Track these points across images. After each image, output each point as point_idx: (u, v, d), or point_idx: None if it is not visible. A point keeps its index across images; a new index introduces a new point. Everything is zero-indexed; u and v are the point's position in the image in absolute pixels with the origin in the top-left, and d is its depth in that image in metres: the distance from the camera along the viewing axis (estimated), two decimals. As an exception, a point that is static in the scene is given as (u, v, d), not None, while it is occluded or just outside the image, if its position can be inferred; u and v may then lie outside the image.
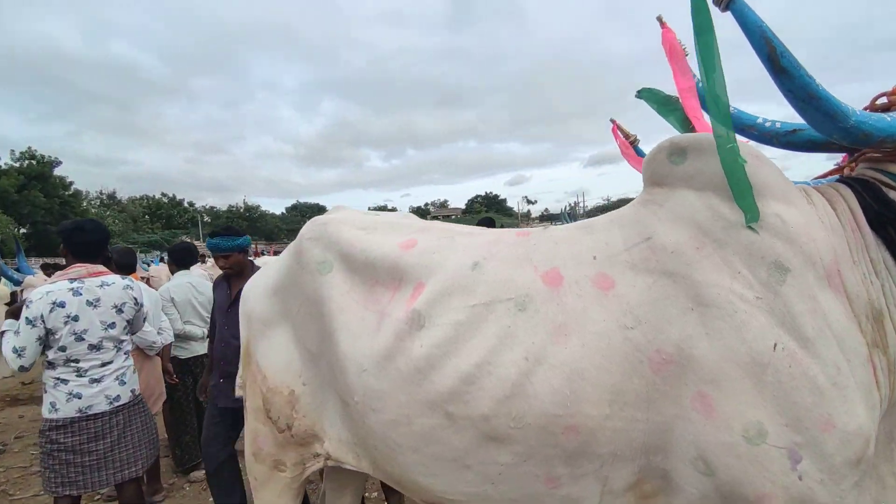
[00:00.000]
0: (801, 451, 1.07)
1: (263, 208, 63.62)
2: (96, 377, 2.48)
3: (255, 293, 1.75)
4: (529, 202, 68.93)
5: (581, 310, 1.21)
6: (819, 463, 1.06)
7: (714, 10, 1.18)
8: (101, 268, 2.63)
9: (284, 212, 71.80)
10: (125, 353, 2.61)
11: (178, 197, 55.70)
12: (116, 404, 2.52)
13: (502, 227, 2.27)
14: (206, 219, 56.27)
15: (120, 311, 2.54)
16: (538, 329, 1.22)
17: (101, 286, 2.51)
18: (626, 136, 2.01)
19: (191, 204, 57.52)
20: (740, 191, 1.17)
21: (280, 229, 56.18)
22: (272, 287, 1.70)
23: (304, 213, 72.89)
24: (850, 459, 1.06)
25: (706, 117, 1.58)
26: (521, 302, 1.26)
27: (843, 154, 1.64)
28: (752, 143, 1.39)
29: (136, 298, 2.57)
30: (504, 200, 66.24)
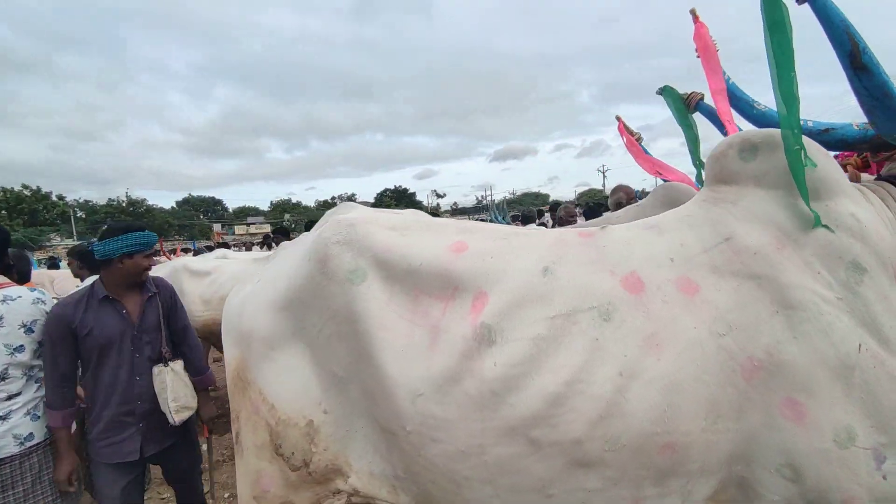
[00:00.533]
0: (885, 451, 1.08)
1: (150, 202, 57.66)
2: (1, 414, 2.01)
3: (253, 307, 1.48)
4: (438, 196, 69.50)
5: (670, 317, 1.13)
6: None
7: (790, 3, 1.15)
8: (1, 278, 2.14)
9: (175, 206, 65.81)
10: (37, 382, 2.14)
11: (44, 189, 48.66)
12: (29, 444, 2.06)
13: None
14: (80, 214, 49.85)
15: (30, 330, 2.08)
16: (628, 340, 1.12)
17: (3, 301, 2.03)
18: (632, 133, 1.99)
19: (60, 197, 50.57)
20: (803, 192, 1.16)
21: (171, 225, 51.34)
22: (280, 300, 1.43)
23: (197, 206, 67.19)
24: None
25: (736, 119, 1.59)
26: (604, 311, 1.15)
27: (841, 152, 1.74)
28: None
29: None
30: (413, 194, 65.87)
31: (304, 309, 1.38)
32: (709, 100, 1.60)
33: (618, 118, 1.99)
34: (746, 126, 1.57)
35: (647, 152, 1.97)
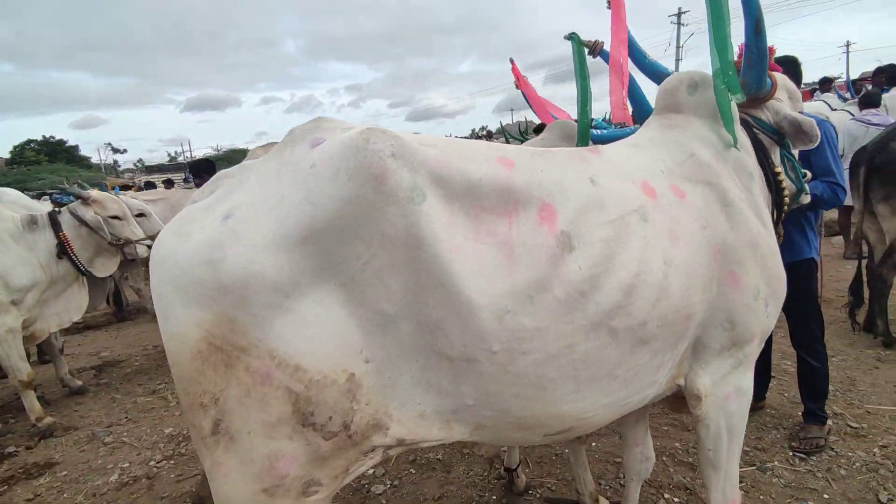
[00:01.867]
0: (769, 299, 1.62)
1: None
2: None
3: (243, 249, 1.08)
4: (117, 151, 56.01)
5: (676, 216, 1.40)
6: (776, 305, 1.64)
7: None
8: None
9: None
10: None
11: None
12: None
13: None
14: None
15: None
16: (661, 236, 1.34)
17: None
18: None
19: None
20: (728, 120, 1.59)
21: None
22: (295, 234, 1.09)
23: None
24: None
25: (632, 66, 1.94)
26: (642, 213, 1.33)
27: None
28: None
29: None
30: (75, 147, 50.74)
31: (339, 240, 1.10)
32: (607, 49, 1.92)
33: (511, 60, 2.15)
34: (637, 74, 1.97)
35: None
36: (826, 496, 2.35)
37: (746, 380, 1.64)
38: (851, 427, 2.83)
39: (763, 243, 1.56)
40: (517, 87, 2.27)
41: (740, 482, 2.52)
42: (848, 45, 34.22)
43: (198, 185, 4.61)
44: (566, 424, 1.32)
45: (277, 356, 1.10)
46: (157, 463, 3.39)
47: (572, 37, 1.94)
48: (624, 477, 2.21)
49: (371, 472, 3.01)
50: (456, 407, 1.23)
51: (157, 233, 1.85)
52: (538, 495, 2.62)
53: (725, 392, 1.61)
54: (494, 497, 2.64)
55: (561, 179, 1.29)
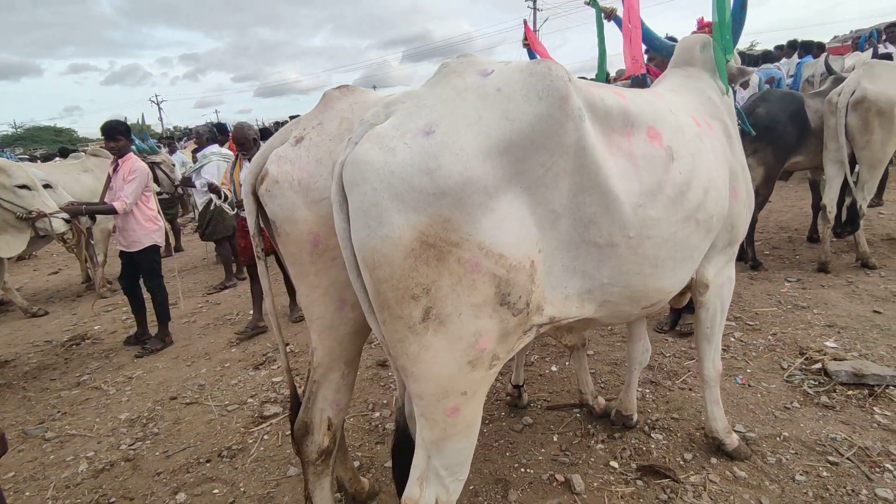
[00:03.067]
0: (750, 207, 2.19)
1: None
2: None
3: (457, 157, 1.27)
4: None
5: (712, 141, 1.86)
6: (751, 212, 2.23)
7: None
8: None
9: None
10: None
11: None
12: None
13: None
14: None
15: None
16: (710, 154, 1.79)
17: None
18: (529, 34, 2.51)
19: None
20: (723, 74, 2.11)
21: None
22: (497, 144, 1.31)
23: None
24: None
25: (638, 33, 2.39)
26: (700, 137, 1.77)
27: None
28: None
29: None
30: None
31: (529, 150, 1.35)
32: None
33: (525, 21, 2.43)
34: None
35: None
36: (749, 370, 3.14)
37: (733, 271, 2.22)
38: (749, 324, 3.74)
39: (746, 166, 2.13)
40: (525, 45, 2.58)
41: (687, 372, 3.22)
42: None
43: (112, 150, 4.17)
44: (660, 297, 1.73)
45: (485, 247, 1.32)
46: (131, 446, 3.16)
47: (593, 2, 2.32)
48: (627, 366, 2.73)
49: (379, 414, 3.19)
50: (592, 287, 1.56)
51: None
52: (538, 406, 3.06)
53: (721, 281, 2.17)
54: (503, 413, 3.02)
55: (654, 109, 1.67)
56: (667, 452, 2.53)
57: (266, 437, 3.10)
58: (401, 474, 1.62)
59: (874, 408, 2.66)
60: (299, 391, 2.09)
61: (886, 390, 2.75)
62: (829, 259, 4.39)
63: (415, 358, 1.37)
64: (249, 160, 3.94)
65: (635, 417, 2.68)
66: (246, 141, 4.48)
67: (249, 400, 3.57)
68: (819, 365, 3.04)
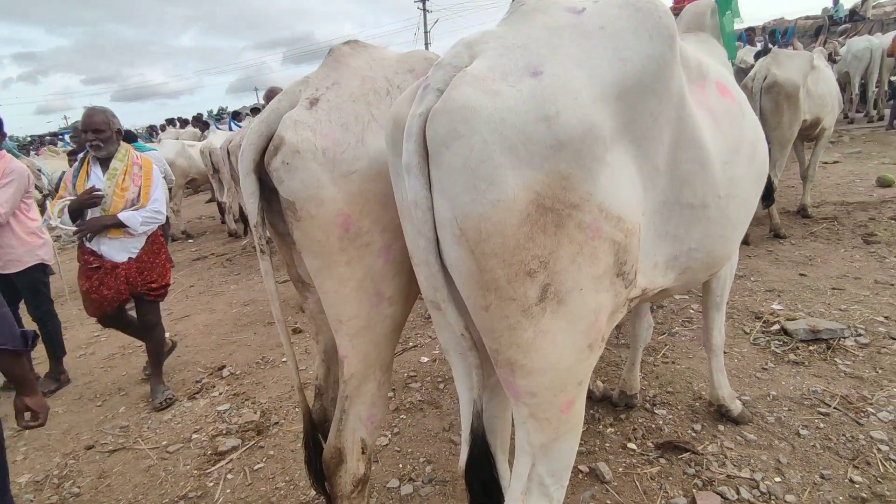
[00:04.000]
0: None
1: None
2: None
3: (575, 102, 1.06)
4: None
5: (734, 103, 1.82)
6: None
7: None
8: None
9: None
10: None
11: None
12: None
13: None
14: None
15: None
16: (749, 116, 1.75)
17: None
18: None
19: None
20: (728, 42, 2.13)
21: None
22: (614, 88, 1.12)
23: None
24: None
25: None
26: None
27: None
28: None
29: None
30: None
31: (641, 95, 1.17)
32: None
33: None
34: None
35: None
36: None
37: (740, 239, 2.25)
38: (700, 296, 3.94)
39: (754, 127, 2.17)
40: None
41: (664, 346, 3.28)
42: None
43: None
44: (725, 262, 1.65)
45: (605, 209, 1.13)
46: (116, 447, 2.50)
47: None
48: (631, 345, 2.68)
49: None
50: (679, 252, 1.43)
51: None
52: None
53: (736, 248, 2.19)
54: (500, 410, 2.84)
55: (710, 63, 1.59)
56: (676, 426, 2.52)
57: (230, 475, 2.61)
58: (483, 491, 1.37)
59: (835, 359, 2.89)
60: (327, 414, 1.74)
61: (839, 342, 3.01)
62: (749, 231, 4.81)
63: (529, 347, 1.13)
64: (104, 160, 3.13)
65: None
66: (107, 129, 3.09)
67: (194, 436, 3.01)
68: (777, 326, 3.26)
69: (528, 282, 1.09)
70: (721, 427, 2.47)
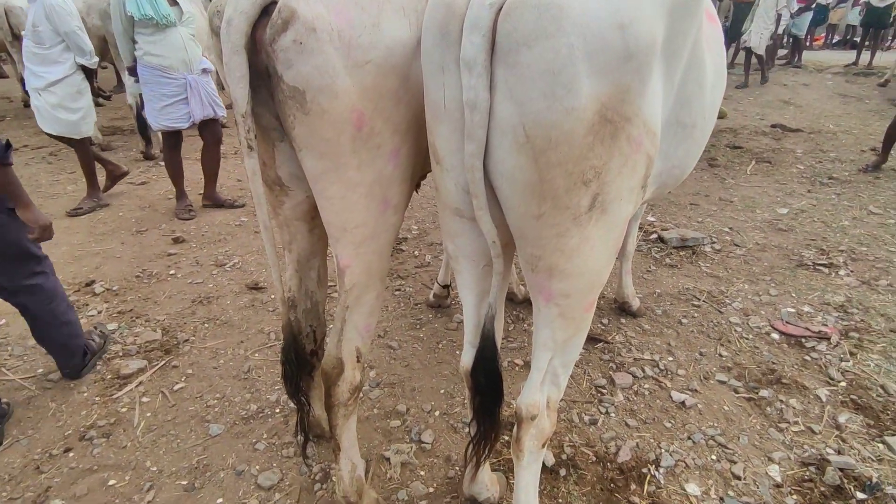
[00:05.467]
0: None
1: None
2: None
3: (646, 14, 1.05)
4: None
5: (718, 30, 1.92)
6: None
7: None
8: None
9: None
10: None
11: None
12: None
13: None
14: None
15: None
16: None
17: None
18: None
19: None
20: None
21: None
22: (667, 4, 1.12)
23: None
24: None
25: None
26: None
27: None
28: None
29: None
30: None
31: (682, 13, 1.19)
32: None
33: None
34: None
35: None
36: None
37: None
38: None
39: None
40: None
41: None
42: None
43: None
44: (682, 179, 1.84)
45: (647, 124, 1.17)
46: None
47: None
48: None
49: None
50: (664, 168, 1.56)
51: None
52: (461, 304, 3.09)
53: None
54: (431, 315, 2.96)
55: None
56: (587, 321, 2.89)
57: (145, 398, 2.37)
58: (487, 382, 1.45)
59: (699, 262, 3.50)
60: (301, 327, 1.64)
61: (701, 248, 3.64)
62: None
63: (572, 253, 1.19)
64: None
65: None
66: None
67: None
68: (655, 235, 3.80)
69: (584, 190, 1.13)
70: (623, 320, 2.89)
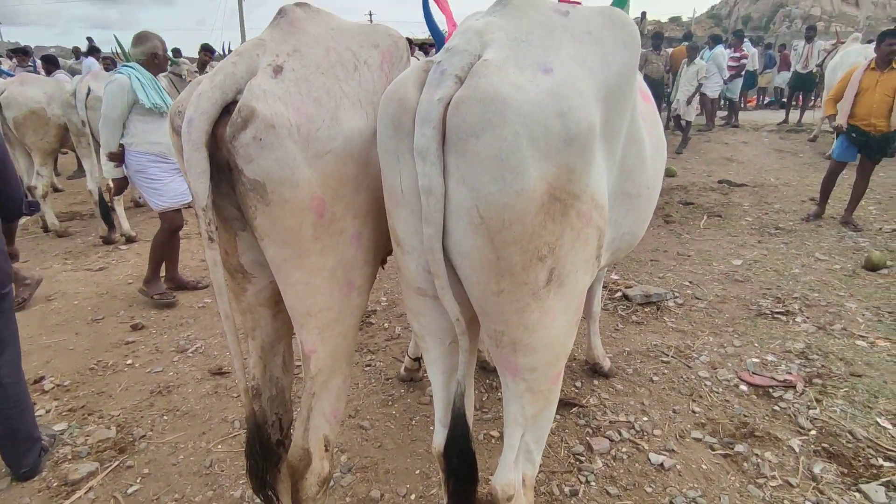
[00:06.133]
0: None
1: None
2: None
3: (581, 101, 1.15)
4: None
5: (653, 107, 2.12)
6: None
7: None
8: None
9: None
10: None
11: None
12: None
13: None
14: None
15: None
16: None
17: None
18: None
19: None
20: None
21: None
22: (602, 90, 1.22)
23: None
24: None
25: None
26: None
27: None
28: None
29: None
30: None
31: (618, 97, 1.30)
32: None
33: None
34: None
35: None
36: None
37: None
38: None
39: None
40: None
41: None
42: (371, 14, 41.42)
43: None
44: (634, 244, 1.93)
45: (595, 199, 1.25)
46: None
47: None
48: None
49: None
50: (616, 236, 1.63)
51: None
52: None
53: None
54: (403, 390, 2.89)
55: None
56: (562, 386, 2.88)
57: (97, 506, 2.19)
58: (461, 463, 1.42)
59: (664, 317, 3.59)
60: (266, 416, 1.58)
61: (664, 303, 3.73)
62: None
63: (534, 327, 1.22)
64: None
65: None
66: None
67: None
68: (619, 293, 3.89)
69: (540, 266, 1.17)
70: (595, 382, 2.89)
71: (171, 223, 4.01)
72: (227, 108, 1.24)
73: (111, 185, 5.28)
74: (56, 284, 4.57)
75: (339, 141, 1.31)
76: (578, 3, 1.57)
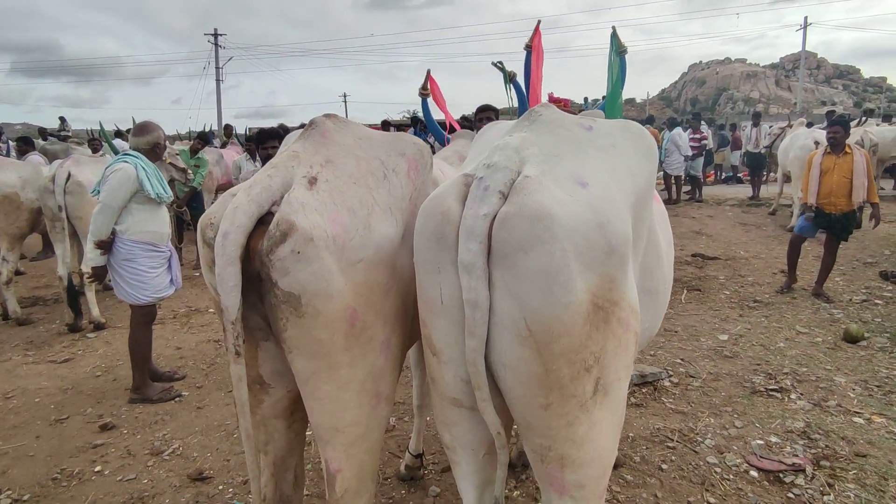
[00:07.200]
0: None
1: None
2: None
3: (617, 212, 1.18)
4: None
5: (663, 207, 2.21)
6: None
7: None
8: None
9: None
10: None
11: None
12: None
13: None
14: None
15: None
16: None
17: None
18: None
19: None
20: None
21: None
22: (631, 200, 1.27)
23: None
24: None
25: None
26: None
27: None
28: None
29: None
30: None
31: (642, 205, 1.35)
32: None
33: (428, 71, 2.29)
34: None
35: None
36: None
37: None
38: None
39: None
40: (422, 94, 2.43)
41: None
42: (345, 96, 43.22)
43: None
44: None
45: (631, 304, 1.26)
46: None
47: (499, 65, 2.47)
48: None
49: None
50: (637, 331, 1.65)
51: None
52: (432, 471, 2.88)
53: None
54: (405, 491, 2.71)
55: None
56: (570, 479, 2.76)
57: None
58: None
59: (662, 398, 3.55)
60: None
61: (660, 383, 3.71)
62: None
63: (583, 440, 1.17)
64: None
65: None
66: None
67: None
68: (614, 374, 3.86)
69: (587, 377, 1.15)
70: (604, 473, 2.78)
71: (147, 316, 3.84)
72: (262, 219, 1.22)
73: (85, 271, 5.08)
74: (15, 380, 4.24)
75: (371, 249, 1.30)
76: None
